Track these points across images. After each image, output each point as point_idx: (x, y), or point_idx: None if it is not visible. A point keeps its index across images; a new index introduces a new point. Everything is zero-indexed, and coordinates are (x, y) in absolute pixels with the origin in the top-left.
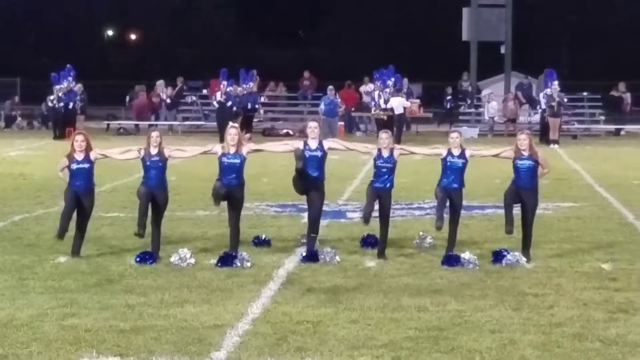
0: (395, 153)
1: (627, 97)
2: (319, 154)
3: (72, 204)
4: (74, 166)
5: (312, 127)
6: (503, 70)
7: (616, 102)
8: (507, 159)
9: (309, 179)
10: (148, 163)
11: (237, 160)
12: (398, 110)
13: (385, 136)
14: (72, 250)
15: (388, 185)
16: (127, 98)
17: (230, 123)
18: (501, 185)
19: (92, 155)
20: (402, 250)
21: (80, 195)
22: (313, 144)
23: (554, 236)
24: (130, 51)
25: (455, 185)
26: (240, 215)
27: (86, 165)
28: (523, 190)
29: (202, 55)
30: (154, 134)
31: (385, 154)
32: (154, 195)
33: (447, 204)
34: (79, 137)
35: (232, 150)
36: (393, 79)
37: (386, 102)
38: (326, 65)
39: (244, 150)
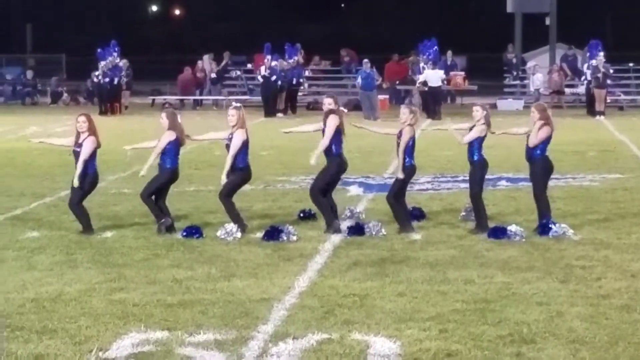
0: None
1: None
2: None
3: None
4: (75, 149)
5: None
6: (548, 41)
7: None
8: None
9: None
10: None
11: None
12: (434, 83)
13: (405, 111)
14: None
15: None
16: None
17: (233, 103)
18: None
19: (90, 143)
20: (449, 222)
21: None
22: None
23: (601, 208)
24: (173, 26)
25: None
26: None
27: (78, 150)
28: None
29: (240, 29)
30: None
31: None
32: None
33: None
34: (80, 118)
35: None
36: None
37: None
38: (366, 38)
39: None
